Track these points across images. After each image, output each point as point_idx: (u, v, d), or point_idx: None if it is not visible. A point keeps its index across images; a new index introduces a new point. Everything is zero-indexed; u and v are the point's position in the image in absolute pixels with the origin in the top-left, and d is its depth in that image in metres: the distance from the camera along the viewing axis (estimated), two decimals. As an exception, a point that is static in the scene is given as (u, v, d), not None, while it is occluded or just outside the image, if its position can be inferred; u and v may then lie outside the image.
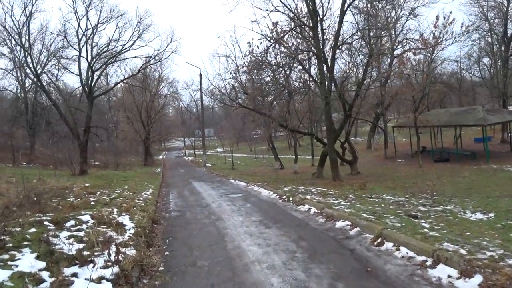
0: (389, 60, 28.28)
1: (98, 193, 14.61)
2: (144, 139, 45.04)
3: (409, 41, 22.08)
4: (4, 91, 36.11)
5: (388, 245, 6.13)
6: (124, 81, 35.17)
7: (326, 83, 18.58)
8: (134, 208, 10.29)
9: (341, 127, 21.64)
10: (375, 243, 6.36)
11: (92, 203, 11.63)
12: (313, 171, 24.82)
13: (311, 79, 23.42)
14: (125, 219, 8.52)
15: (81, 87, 25.98)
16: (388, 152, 33.95)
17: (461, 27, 22.32)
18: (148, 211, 10.36)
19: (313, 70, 26.33)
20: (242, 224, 8.61)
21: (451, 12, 18.42)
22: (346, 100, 21.22)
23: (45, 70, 29.34)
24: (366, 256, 5.87)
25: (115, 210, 9.50)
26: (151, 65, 42.81)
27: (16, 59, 25.42)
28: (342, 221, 7.82)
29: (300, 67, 22.66)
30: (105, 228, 7.53)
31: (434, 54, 27.36)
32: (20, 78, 33.22)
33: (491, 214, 8.49)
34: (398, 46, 24.10)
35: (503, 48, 35.19)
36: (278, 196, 12.29)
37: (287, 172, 27.52)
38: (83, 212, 8.87)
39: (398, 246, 5.97)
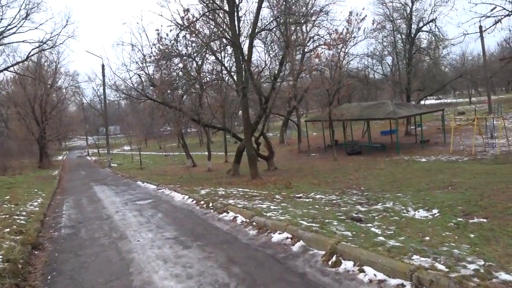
0: (300, 55, 28.12)
1: (-32, 208, 11.71)
2: (38, 138, 40.03)
3: (320, 37, 21.75)
4: None
5: (347, 264, 4.75)
6: (11, 71, 30.73)
7: (243, 73, 17.13)
8: (8, 229, 7.86)
9: (258, 121, 20.42)
10: (330, 262, 4.94)
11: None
12: (228, 168, 23.51)
13: (225, 70, 21.96)
14: (-13, 250, 6.20)
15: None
16: (302, 146, 33.81)
17: (372, 23, 22.51)
18: (28, 231, 8.00)
19: (227, 62, 25.00)
20: (152, 243, 6.72)
21: (363, 9, 18.24)
22: (262, 92, 20.04)
23: None
24: (324, 284, 4.42)
25: (-24, 236, 7.07)
26: (46, 55, 38.54)
27: None
28: (279, 233, 6.32)
29: (213, 58, 21.14)
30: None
31: (346, 49, 27.36)
32: None
33: (435, 211, 7.69)
34: (309, 42, 23.58)
35: (407, 46, 36.80)
36: (195, 202, 10.46)
37: (200, 170, 25.79)
38: None
39: (360, 266, 4.63)
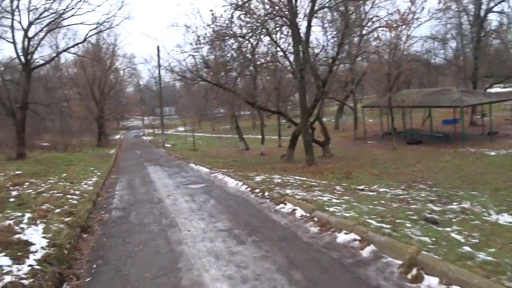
0: (357, 37, 26.56)
1: (27, 184, 11.92)
2: (97, 117, 41.25)
3: (380, 18, 20.27)
4: None
5: (431, 281, 3.95)
6: (72, 53, 31.54)
7: (301, 54, 16.24)
8: (59, 210, 7.67)
9: (314, 106, 19.52)
10: (409, 276, 4.16)
11: (10, 200, 8.99)
12: (281, 152, 22.79)
13: (280, 52, 21.15)
14: (34, 233, 5.94)
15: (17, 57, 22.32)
16: (357, 133, 32.46)
17: (439, 2, 20.66)
18: (79, 213, 7.79)
19: (282, 44, 24.13)
20: (204, 235, 6.20)
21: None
22: (319, 75, 19.09)
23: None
24: (404, 305, 3.67)
25: (27, 216, 6.87)
26: (104, 38, 39.39)
27: None
28: (345, 233, 5.57)
29: (268, 39, 20.34)
30: (-5, 254, 4.99)
31: (409, 31, 25.48)
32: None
33: (523, 216, 6.60)
34: (368, 23, 22.14)
35: (475, 29, 33.95)
36: (249, 189, 9.84)
37: (253, 154, 25.27)
38: (-24, 222, 6.25)
39: (449, 285, 3.81)
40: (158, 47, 33.25)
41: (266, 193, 8.69)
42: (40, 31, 22.12)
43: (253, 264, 4.83)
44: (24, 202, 8.28)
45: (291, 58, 18.60)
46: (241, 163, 18.29)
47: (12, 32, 21.45)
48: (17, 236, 5.68)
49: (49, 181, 12.39)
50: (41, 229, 6.18)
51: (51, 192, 10.02)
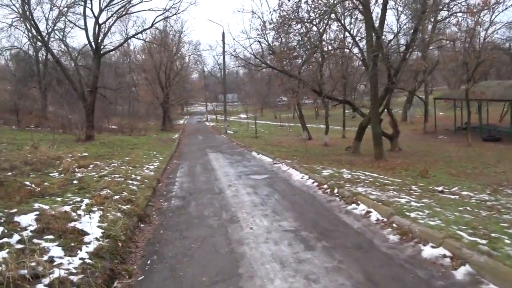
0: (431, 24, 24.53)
1: (91, 166, 12.02)
2: (162, 102, 42.15)
3: (457, 3, 18.30)
4: (13, 49, 33.30)
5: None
6: (139, 38, 32.14)
7: (374, 40, 15.09)
8: (118, 196, 7.41)
9: (385, 96, 18.23)
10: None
11: (73, 182, 8.96)
12: (345, 144, 21.85)
13: (349, 37, 20.03)
14: (90, 221, 5.63)
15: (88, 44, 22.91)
16: (427, 126, 30.36)
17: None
18: (138, 200, 7.49)
19: (351, 29, 22.86)
20: (267, 235, 5.58)
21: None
22: (391, 64, 17.74)
23: (56, 27, 26.79)
24: None
25: (85, 201, 6.62)
26: (171, 24, 39.90)
27: (20, 10, 22.38)
28: (432, 246, 4.69)
29: (335, 25, 19.32)
30: (47, 242, 4.69)
31: (492, 17, 23.03)
32: (30, 35, 30.37)
33: None
34: (445, 8, 20.20)
35: None
36: (316, 184, 9.07)
37: (316, 144, 24.37)
38: (35, 206, 6.07)
39: None
40: (223, 33, 33.01)
41: (336, 190, 7.89)
42: (110, 17, 22.56)
43: (324, 277, 4.12)
44: (85, 187, 8.14)
45: (361, 44, 17.58)
46: (305, 153, 17.53)
47: (84, 19, 22.06)
48: (72, 224, 5.40)
49: (112, 164, 12.41)
50: (98, 217, 5.87)
51: (113, 176, 9.91)
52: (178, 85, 49.43)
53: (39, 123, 28.27)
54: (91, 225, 5.44)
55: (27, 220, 5.20)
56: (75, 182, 9.18)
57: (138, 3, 22.96)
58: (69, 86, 24.65)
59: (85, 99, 21.78)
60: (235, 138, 27.38)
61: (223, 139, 28.43)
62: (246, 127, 42.64)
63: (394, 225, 5.63)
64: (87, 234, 5.14)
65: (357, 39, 19.40)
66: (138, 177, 10.15)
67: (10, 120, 25.44)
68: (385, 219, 5.92)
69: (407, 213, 5.89)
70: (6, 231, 4.75)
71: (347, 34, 20.54)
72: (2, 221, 5.05)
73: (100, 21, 21.97)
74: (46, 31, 26.04)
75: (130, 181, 9.36)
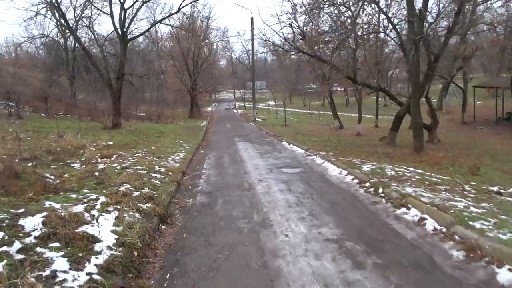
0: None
1: (114, 156, 11.52)
2: (190, 89, 41.67)
3: None
4: (42, 37, 33.29)
5: None
6: (167, 24, 31.64)
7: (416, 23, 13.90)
8: (138, 193, 6.73)
9: (424, 83, 16.95)
10: None
11: (94, 174, 8.40)
12: (377, 133, 20.85)
13: (385, 20, 18.74)
14: (104, 225, 4.96)
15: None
16: (465, 116, 28.69)
17: None
18: (160, 197, 6.80)
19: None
20: (306, 246, 4.76)
21: None
22: (432, 49, 16.43)
23: (84, 15, 26.53)
24: None
25: (101, 199, 5.95)
26: (199, 11, 39.31)
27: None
28: (509, 269, 3.80)
29: (370, 9, 18.08)
30: (52, 252, 4.04)
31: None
32: (58, 22, 30.25)
33: None
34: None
35: None
36: (356, 181, 8.12)
37: (347, 133, 23.27)
38: (46, 204, 5.47)
39: None
40: (252, 18, 32.28)
41: (380, 190, 6.92)
42: (136, 1, 21.92)
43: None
44: (104, 181, 7.51)
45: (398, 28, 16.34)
46: (337, 144, 16.58)
47: (110, 4, 21.55)
48: (83, 227, 4.73)
49: (136, 154, 11.84)
50: (113, 220, 5.19)
51: (135, 167, 9.30)
52: (206, 72, 48.85)
53: (68, 111, 28.19)
54: (104, 230, 4.76)
55: (33, 223, 4.56)
56: (96, 173, 8.63)
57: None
58: (97, 74, 24.29)
59: (111, 86, 21.36)
60: (264, 126, 26.56)
61: (252, 127, 27.66)
62: (274, 115, 41.73)
63: (457, 237, 4.70)
64: (99, 241, 4.46)
65: (394, 22, 18.15)
66: (162, 169, 9.50)
67: (40, 108, 25.36)
68: (444, 229, 4.97)
69: (470, 223, 4.96)
70: (6, 237, 4.12)
71: (383, 16, 19.27)
72: (5, 224, 4.43)
73: (126, 6, 21.41)
74: (74, 19, 25.95)
75: (153, 174, 8.70)
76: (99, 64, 23.28)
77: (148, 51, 53.73)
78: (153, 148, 13.63)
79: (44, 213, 4.89)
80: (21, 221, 4.59)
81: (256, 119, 33.49)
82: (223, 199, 7.32)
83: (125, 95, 30.79)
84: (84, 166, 9.90)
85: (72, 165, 10.06)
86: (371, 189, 7.25)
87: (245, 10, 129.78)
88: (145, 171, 8.89)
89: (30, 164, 9.39)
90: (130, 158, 10.95)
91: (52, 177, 8.18)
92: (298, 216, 5.96)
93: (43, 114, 23.94)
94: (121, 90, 21.90)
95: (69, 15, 24.36)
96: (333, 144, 16.61)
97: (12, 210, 4.97)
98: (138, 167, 9.40)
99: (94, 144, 13.86)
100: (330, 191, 7.65)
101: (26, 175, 7.50)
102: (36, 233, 4.36)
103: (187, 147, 15.10)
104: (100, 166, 9.81)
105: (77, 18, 26.64)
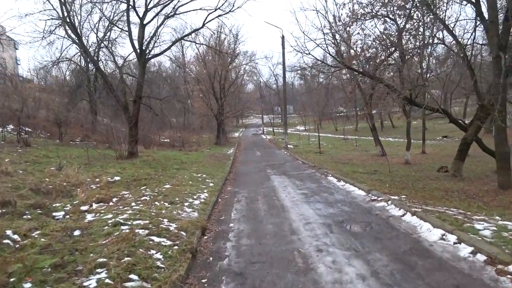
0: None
1: (114, 200, 8.83)
2: (216, 114, 39.23)
3: None
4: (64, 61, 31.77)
5: None
6: (190, 41, 29.72)
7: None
8: (132, 274, 3.87)
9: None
10: None
11: (73, 234, 5.69)
12: (426, 161, 18.98)
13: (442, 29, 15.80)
14: None
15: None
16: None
17: None
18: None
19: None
20: None
21: None
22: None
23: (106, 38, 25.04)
24: None
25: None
26: (226, 34, 37.40)
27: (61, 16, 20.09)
28: None
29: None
30: None
31: None
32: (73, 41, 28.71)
33: None
34: None
35: None
36: (484, 260, 4.75)
37: (394, 162, 19.88)
38: None
39: None
40: (282, 37, 29.58)
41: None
42: (156, 16, 19.62)
43: None
44: (71, 257, 4.67)
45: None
46: (390, 177, 13.49)
47: (128, 20, 19.39)
48: None
49: (143, 197, 9.06)
50: None
51: (135, 222, 6.50)
52: (233, 96, 46.73)
53: (86, 137, 26.10)
54: None
55: None
56: (76, 232, 5.93)
57: (187, 3, 19.85)
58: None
59: (127, 110, 18.91)
60: (298, 154, 23.56)
61: (284, 155, 24.69)
62: (306, 141, 38.80)
63: None
64: None
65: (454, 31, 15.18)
66: (172, 226, 6.60)
67: (56, 134, 23.30)
68: None
69: None
70: None
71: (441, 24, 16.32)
72: None
73: (145, 21, 19.12)
74: (96, 42, 24.49)
75: (156, 239, 5.77)
76: (117, 87, 21.04)
77: (175, 76, 52.38)
78: (167, 187, 10.79)
79: None
80: None
81: (288, 146, 30.58)
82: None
83: (147, 120, 28.66)
84: (68, 216, 7.20)
85: (54, 213, 7.40)
86: (502, 270, 4.04)
87: (274, 31, 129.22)
88: (146, 231, 6.03)
89: (-3, 212, 6.83)
90: (133, 204, 8.18)
91: (14, 237, 5.56)
92: None
93: (57, 141, 21.81)
94: (138, 114, 19.37)
95: (92, 38, 22.79)
96: (383, 176, 13.60)
97: None
98: (138, 221, 6.60)
99: (97, 180, 11.22)
100: (442, 276, 4.41)
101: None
102: None
103: (211, 184, 12.26)
104: (89, 218, 7.08)
105: (99, 41, 25.00)
